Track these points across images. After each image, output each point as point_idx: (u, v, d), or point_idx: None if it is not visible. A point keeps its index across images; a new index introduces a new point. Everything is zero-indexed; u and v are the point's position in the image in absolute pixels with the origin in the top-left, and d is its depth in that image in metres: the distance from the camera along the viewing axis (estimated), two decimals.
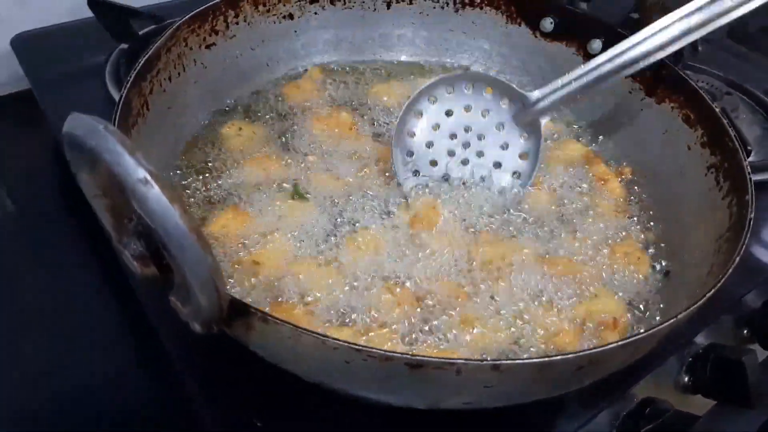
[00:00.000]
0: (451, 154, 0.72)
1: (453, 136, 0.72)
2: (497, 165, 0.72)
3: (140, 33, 0.94)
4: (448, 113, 0.72)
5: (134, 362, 0.65)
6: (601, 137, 0.80)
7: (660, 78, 0.73)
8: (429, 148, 0.72)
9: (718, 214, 0.60)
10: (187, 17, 0.68)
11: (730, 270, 0.48)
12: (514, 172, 0.72)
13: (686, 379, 0.69)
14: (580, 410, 0.60)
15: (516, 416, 0.59)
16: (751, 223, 0.53)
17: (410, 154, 0.71)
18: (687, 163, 0.68)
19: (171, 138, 0.68)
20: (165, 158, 0.66)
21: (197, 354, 0.61)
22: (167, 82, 0.65)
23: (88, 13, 0.90)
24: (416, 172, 0.72)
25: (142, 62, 0.60)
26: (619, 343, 0.42)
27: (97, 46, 0.94)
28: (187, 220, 0.35)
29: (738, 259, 0.50)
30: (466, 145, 0.72)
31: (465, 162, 0.73)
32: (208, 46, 0.72)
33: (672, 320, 0.44)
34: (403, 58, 0.89)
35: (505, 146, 0.72)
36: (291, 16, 0.80)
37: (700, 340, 0.70)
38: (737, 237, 0.53)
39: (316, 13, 0.82)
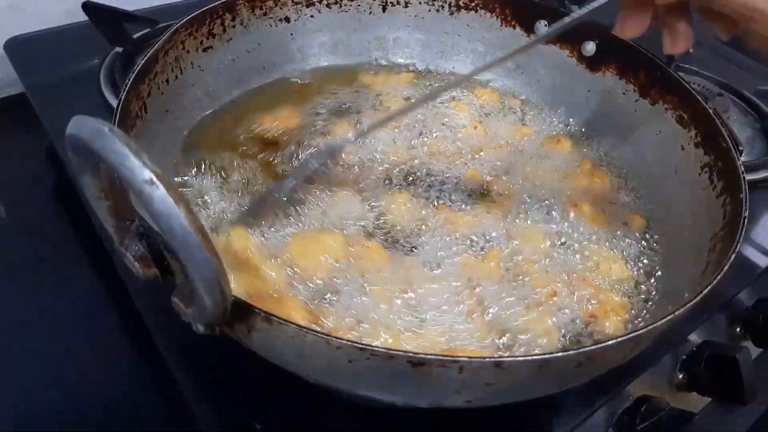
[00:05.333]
0: None
1: None
2: None
3: (135, 36, 0.94)
4: None
5: (131, 366, 0.65)
6: (595, 138, 0.81)
7: (654, 79, 0.74)
8: None
9: (713, 213, 0.61)
10: (184, 20, 0.68)
11: (726, 266, 0.49)
12: None
13: (681, 376, 0.70)
14: (576, 409, 0.61)
15: (513, 415, 0.59)
16: (746, 221, 0.54)
17: None
18: (681, 163, 0.69)
19: (169, 141, 0.68)
20: (163, 161, 0.66)
21: (195, 357, 0.62)
22: (165, 85, 0.65)
23: (83, 17, 0.90)
24: None
25: (140, 65, 0.60)
26: (618, 339, 0.42)
27: (91, 50, 0.94)
28: (193, 221, 0.35)
29: (733, 256, 0.50)
30: None
31: None
32: (205, 50, 0.72)
33: (670, 316, 0.44)
34: (400, 60, 0.89)
35: None
36: (287, 20, 0.81)
37: (694, 338, 0.71)
38: (732, 235, 0.54)
39: (312, 17, 0.82)
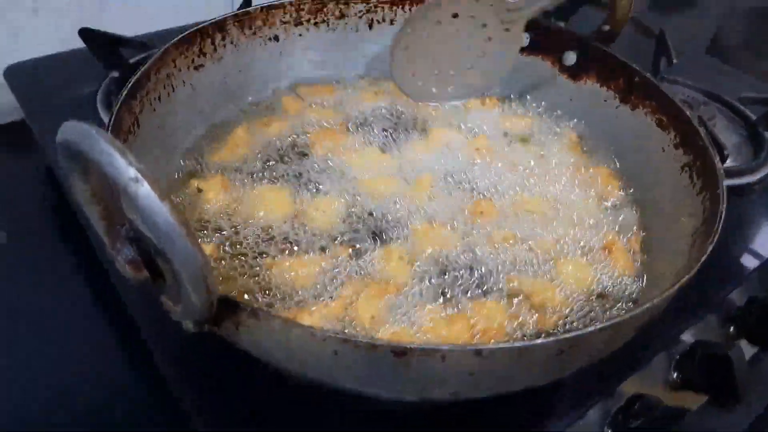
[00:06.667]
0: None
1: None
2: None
3: (131, 62, 0.96)
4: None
5: (127, 378, 0.66)
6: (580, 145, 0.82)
7: (633, 86, 0.76)
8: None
9: (693, 210, 0.62)
10: (175, 40, 0.70)
11: (705, 257, 0.50)
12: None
13: (675, 376, 0.70)
14: (570, 408, 0.61)
15: (506, 414, 0.60)
16: (723, 214, 0.55)
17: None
18: (662, 164, 0.70)
19: (163, 158, 0.69)
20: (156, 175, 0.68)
21: (189, 363, 0.62)
22: (157, 102, 0.67)
23: (80, 44, 0.92)
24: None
25: (132, 82, 0.62)
26: (598, 326, 0.43)
27: (88, 75, 0.96)
28: (177, 216, 0.36)
29: (711, 247, 0.51)
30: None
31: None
32: (196, 68, 0.74)
33: (648, 304, 0.45)
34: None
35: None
36: (276, 38, 0.83)
37: (688, 338, 0.72)
38: (710, 229, 0.55)
39: (300, 35, 0.85)
